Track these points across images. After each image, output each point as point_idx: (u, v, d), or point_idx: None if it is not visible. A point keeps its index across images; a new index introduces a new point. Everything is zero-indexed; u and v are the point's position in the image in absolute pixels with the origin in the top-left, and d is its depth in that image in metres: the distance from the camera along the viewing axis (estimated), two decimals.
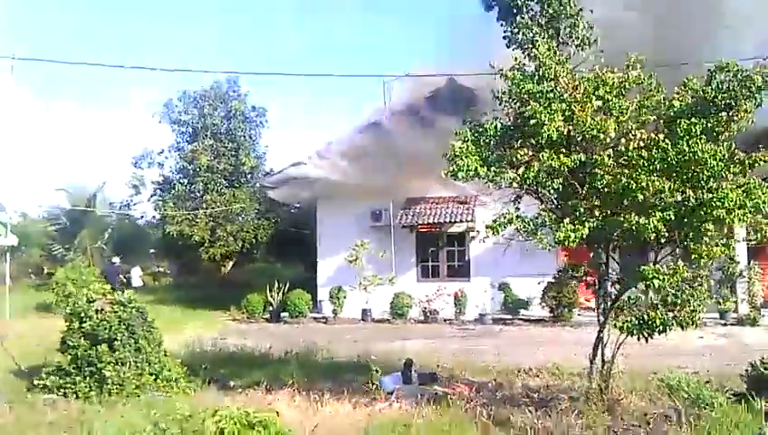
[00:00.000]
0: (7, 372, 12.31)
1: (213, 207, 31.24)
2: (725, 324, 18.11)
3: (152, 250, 37.15)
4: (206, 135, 32.33)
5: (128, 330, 10.49)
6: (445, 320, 19.87)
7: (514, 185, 8.06)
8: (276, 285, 21.29)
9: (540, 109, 7.71)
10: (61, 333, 10.93)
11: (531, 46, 8.90)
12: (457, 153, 7.99)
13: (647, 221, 7.16)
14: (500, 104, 8.71)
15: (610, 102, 7.99)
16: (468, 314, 20.20)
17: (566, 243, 7.43)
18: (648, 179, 7.31)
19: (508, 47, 9.46)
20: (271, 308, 21.15)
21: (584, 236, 7.46)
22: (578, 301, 19.21)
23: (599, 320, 8.92)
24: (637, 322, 7.88)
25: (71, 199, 33.21)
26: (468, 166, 7.84)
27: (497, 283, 20.43)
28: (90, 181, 34.82)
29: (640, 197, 7.30)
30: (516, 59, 8.77)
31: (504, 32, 9.48)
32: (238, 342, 15.53)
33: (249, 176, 34.08)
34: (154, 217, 33.65)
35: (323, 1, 75.26)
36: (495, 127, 8.18)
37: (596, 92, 7.95)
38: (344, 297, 20.67)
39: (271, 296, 21.21)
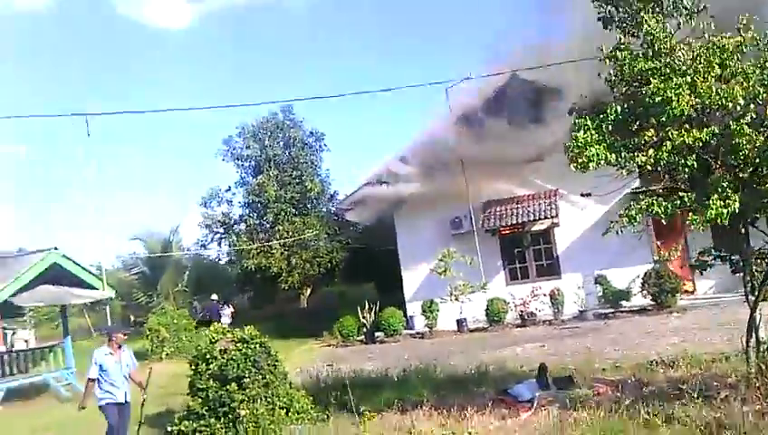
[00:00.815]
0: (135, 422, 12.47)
1: (286, 237, 31.45)
2: None
3: (234, 284, 37.35)
4: (270, 166, 32.66)
5: (254, 366, 10.44)
6: (543, 321, 19.38)
7: (648, 167, 7.65)
8: (367, 305, 21.16)
9: (663, 86, 7.38)
10: (187, 376, 10.97)
11: (634, 23, 8.61)
12: (581, 144, 7.69)
13: None
14: (612, 89, 8.40)
15: (733, 68, 7.62)
16: (566, 312, 19.72)
17: (719, 220, 7.04)
18: None
19: (606, 28, 9.14)
20: (365, 329, 21.00)
21: (736, 211, 7.06)
22: (681, 286, 18.58)
23: (747, 300, 8.46)
24: None
25: (147, 247, 33.82)
26: (598, 155, 7.52)
27: (593, 276, 19.90)
28: (163, 227, 35.53)
29: None
30: (620, 39, 8.46)
31: (599, 12, 9.15)
32: (345, 366, 15.40)
33: (316, 201, 34.31)
34: (229, 253, 33.99)
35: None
36: (616, 111, 7.85)
37: (716, 60, 7.59)
38: (437, 310, 20.38)
39: (363, 317, 21.07)
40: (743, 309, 16.40)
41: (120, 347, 10.00)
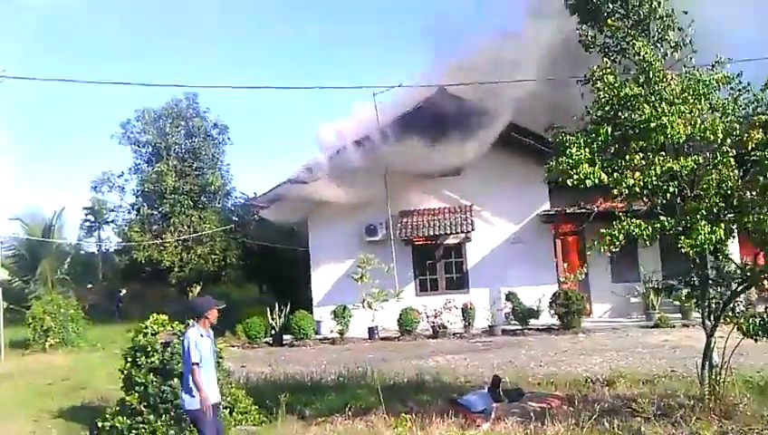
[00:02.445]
0: (49, 415, 11.61)
1: (181, 230, 30.36)
2: None
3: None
4: (170, 155, 31.46)
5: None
6: (454, 334, 19.66)
7: (636, 189, 7.91)
8: (277, 307, 20.69)
9: (657, 113, 7.70)
10: (120, 369, 10.27)
11: (619, 49, 8.96)
12: (576, 160, 7.87)
13: None
14: (598, 111, 8.66)
15: (715, 102, 8.09)
16: (476, 326, 20.12)
17: (707, 246, 7.39)
18: None
19: (587, 51, 9.46)
20: (273, 332, 20.51)
21: (721, 238, 7.44)
22: (586, 308, 19.43)
23: (704, 324, 8.91)
24: (762, 322, 7.87)
25: (27, 230, 31.56)
26: (593, 174, 7.72)
27: (501, 293, 20.46)
28: (47, 208, 33.30)
29: None
30: (606, 63, 8.76)
31: (583, 36, 9.46)
32: (263, 369, 15.00)
33: (214, 196, 33.37)
34: (118, 243, 32.37)
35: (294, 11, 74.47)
36: (606, 132, 8.10)
37: (702, 92, 8.02)
38: (350, 316, 20.23)
39: (272, 319, 20.57)
40: (643, 334, 17.54)
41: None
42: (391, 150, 20.53)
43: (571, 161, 7.91)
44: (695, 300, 9.22)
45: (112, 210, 32.48)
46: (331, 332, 20.83)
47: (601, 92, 8.27)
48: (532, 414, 8.98)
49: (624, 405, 9.37)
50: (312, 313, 21.71)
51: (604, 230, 8.10)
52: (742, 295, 8.78)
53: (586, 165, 7.74)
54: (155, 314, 10.64)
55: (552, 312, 19.29)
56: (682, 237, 7.44)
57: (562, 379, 12.01)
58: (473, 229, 21.10)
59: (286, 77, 69.33)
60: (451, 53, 21.95)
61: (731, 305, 8.52)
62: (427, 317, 19.95)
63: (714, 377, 8.64)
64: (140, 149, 31.93)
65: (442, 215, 21.77)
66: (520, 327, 19.65)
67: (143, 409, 9.73)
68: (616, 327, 19.23)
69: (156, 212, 31.41)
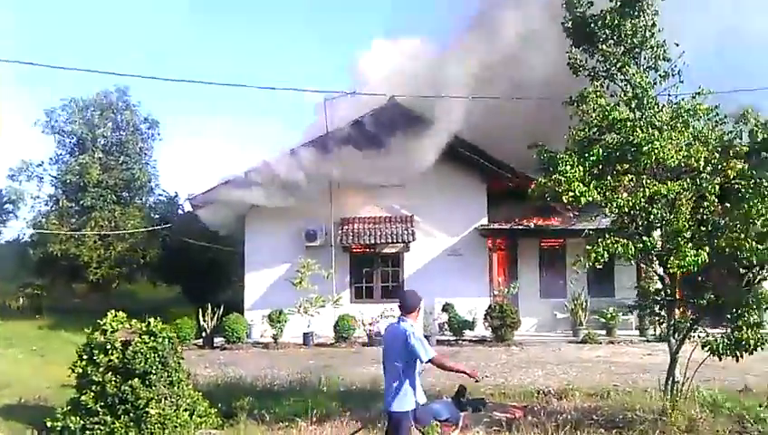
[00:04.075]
0: None
1: (102, 225, 29.13)
2: None
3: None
4: (96, 147, 30.21)
5: (161, 362, 9.54)
6: None
7: (625, 209, 8.17)
8: (210, 308, 20.14)
9: (650, 137, 7.99)
10: (76, 366, 9.74)
11: (608, 75, 9.25)
12: (570, 178, 8.05)
13: (764, 247, 7.59)
14: (585, 131, 8.90)
15: (701, 131, 8.47)
16: None
17: (691, 268, 7.69)
18: (756, 208, 7.77)
19: (575, 74, 9.71)
20: (204, 334, 19.95)
21: (705, 260, 7.76)
22: (519, 321, 19.84)
23: (669, 343, 9.25)
24: (728, 341, 8.26)
25: None
26: (588, 192, 7.92)
27: (439, 303, 20.65)
28: None
29: (759, 224, 7.71)
30: (596, 86, 9.04)
31: (572, 59, 9.71)
32: (203, 372, 14.58)
33: (139, 191, 32.23)
34: (32, 235, 30.61)
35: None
36: (598, 153, 8.33)
37: (687, 121, 8.39)
38: (285, 321, 19.92)
39: (204, 321, 20.01)
40: (574, 349, 18.08)
41: None
42: (336, 159, 20.44)
43: (563, 179, 8.05)
44: (657, 318, 9.51)
45: (36, 198, 30.72)
46: (262, 336, 20.48)
47: (593, 114, 8.49)
48: (500, 423, 9.10)
49: (585, 417, 9.62)
50: (242, 315, 21.24)
51: (589, 247, 8.30)
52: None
53: (581, 184, 7.91)
54: (113, 311, 10.17)
55: (487, 324, 19.62)
56: (671, 258, 7.70)
57: (513, 390, 12.24)
58: (413, 240, 21.26)
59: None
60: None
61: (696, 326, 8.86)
62: (364, 325, 19.89)
63: (676, 392, 8.98)
64: (65, 139, 30.46)
65: (383, 224, 21.83)
66: (455, 338, 19.88)
67: (99, 409, 9.30)
68: (545, 341, 19.78)
69: (75, 205, 29.96)
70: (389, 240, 21.42)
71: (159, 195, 34.83)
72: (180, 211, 34.36)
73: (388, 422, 6.80)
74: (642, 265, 18.58)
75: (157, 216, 32.80)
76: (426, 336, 19.34)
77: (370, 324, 19.86)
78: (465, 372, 6.74)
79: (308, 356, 17.77)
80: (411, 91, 19.84)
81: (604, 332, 20.01)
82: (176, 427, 9.20)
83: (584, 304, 20.33)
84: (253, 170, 21.14)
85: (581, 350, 18.06)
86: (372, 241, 21.41)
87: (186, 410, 9.60)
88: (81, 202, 29.26)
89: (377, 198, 22.22)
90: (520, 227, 21.39)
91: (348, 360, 16.76)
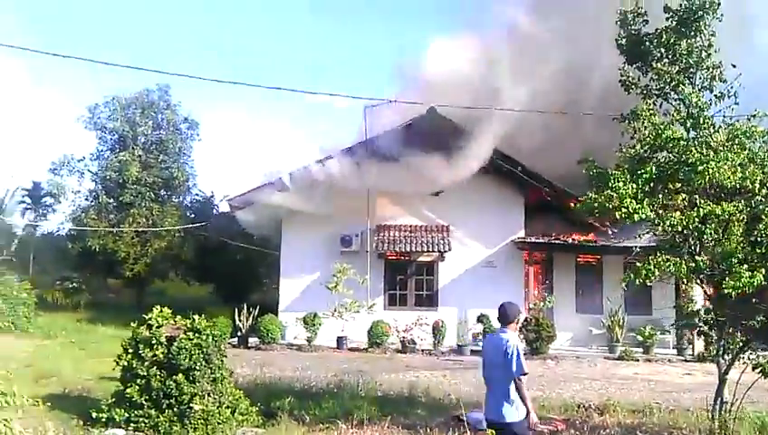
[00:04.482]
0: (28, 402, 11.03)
1: (140, 222, 29.62)
2: None
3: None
4: (136, 145, 30.73)
5: (205, 359, 9.68)
6: (423, 350, 19.70)
7: (678, 228, 8.12)
8: (246, 308, 20.34)
9: (705, 158, 7.95)
10: (120, 360, 9.93)
11: (661, 93, 9.21)
12: (622, 195, 8.03)
13: None
14: (638, 149, 8.86)
15: (754, 153, 8.39)
16: (445, 344, 20.20)
17: (746, 289, 7.63)
18: None
19: (627, 91, 9.68)
20: (239, 334, 20.14)
21: (762, 283, 7.68)
22: (555, 335, 19.73)
23: (717, 362, 9.15)
24: None
25: None
26: (642, 209, 7.89)
27: (473, 313, 20.61)
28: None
29: None
30: (649, 104, 9.01)
31: (624, 76, 9.67)
32: (240, 371, 14.70)
33: (177, 190, 32.71)
34: (71, 229, 31.21)
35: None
36: (651, 171, 8.30)
37: (743, 143, 8.32)
38: (320, 324, 20.04)
39: (239, 321, 20.21)
40: (610, 365, 17.91)
41: None
42: (375, 167, 20.49)
43: (614, 195, 8.03)
44: (706, 338, 9.41)
45: (77, 193, 31.33)
46: (295, 338, 20.61)
47: (646, 131, 8.46)
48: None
49: (628, 433, 9.55)
50: (276, 317, 21.38)
51: (640, 265, 8.25)
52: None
53: (633, 201, 7.89)
54: (158, 307, 10.35)
55: (522, 337, 19.48)
56: (726, 279, 7.64)
57: (552, 403, 12.16)
58: (449, 249, 21.27)
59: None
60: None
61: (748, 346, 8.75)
62: (398, 332, 19.93)
63: (724, 413, 8.88)
64: (106, 136, 31.05)
65: (419, 232, 21.87)
66: None
67: (144, 402, 9.46)
68: (580, 356, 19.61)
69: (114, 201, 30.51)
70: (425, 249, 21.45)
71: (196, 195, 35.41)
72: (215, 211, 34.87)
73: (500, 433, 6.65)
74: (682, 285, 18.75)
75: (192, 215, 33.26)
76: (460, 346, 19.66)
77: (404, 331, 19.91)
78: (528, 411, 6.61)
79: (342, 360, 17.85)
80: (455, 101, 19.80)
81: (641, 349, 19.79)
82: (218, 423, 9.34)
83: (621, 320, 20.14)
84: (291, 174, 21.28)
85: (618, 366, 17.89)
86: (408, 249, 21.46)
87: (228, 407, 9.74)
88: (120, 199, 29.84)
89: (413, 206, 22.25)
90: (558, 241, 21.26)
91: (382, 365, 16.80)
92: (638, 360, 18.90)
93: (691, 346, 19.29)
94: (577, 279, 22.77)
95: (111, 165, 29.98)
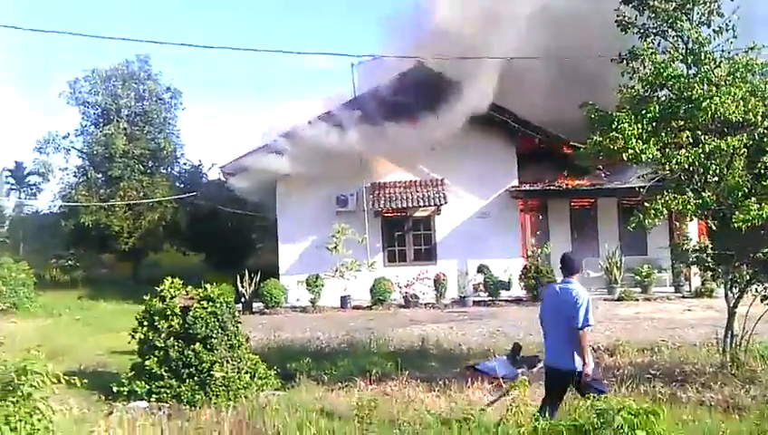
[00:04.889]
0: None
1: (131, 195, 29.45)
2: None
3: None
4: (120, 117, 30.37)
5: (221, 326, 9.76)
6: (426, 304, 19.88)
7: (685, 166, 8.18)
8: (247, 274, 20.43)
9: (709, 93, 7.97)
10: (136, 333, 9.99)
11: (658, 31, 9.18)
12: (628, 136, 8.07)
13: None
14: (638, 88, 8.87)
15: (755, 86, 8.42)
16: (447, 297, 20.39)
17: (755, 222, 7.73)
18: None
19: (624, 32, 9.63)
20: (243, 299, 20.24)
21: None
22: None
23: (726, 297, 9.30)
24: None
25: None
26: (648, 149, 7.94)
27: (469, 265, 20.79)
28: None
29: None
30: (648, 43, 8.99)
31: (620, 17, 9.61)
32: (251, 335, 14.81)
33: (165, 161, 32.48)
34: (62, 206, 30.97)
35: None
36: (654, 110, 8.32)
37: (744, 77, 8.35)
38: (322, 285, 20.15)
39: (242, 286, 20.30)
40: (611, 306, 18.16)
41: None
42: (365, 125, 20.40)
43: (620, 137, 8.07)
44: (712, 273, 9.55)
45: (65, 170, 31.10)
46: (298, 300, 20.70)
47: (647, 70, 8.46)
48: None
49: (642, 372, 9.74)
50: (278, 281, 21.48)
51: (648, 204, 8.33)
52: None
53: (639, 141, 7.93)
54: (169, 278, 10.37)
55: (523, 284, 19.72)
56: (735, 213, 7.73)
57: None
58: (445, 202, 21.34)
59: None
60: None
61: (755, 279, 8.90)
62: (400, 287, 20.08)
63: (735, 346, 9.07)
64: (89, 110, 30.64)
65: (414, 187, 21.89)
66: (490, 298, 20.04)
67: (164, 373, 9.55)
68: None
69: (103, 176, 30.27)
70: (421, 203, 21.50)
71: (184, 164, 35.16)
72: (204, 180, 34.74)
73: (561, 379, 6.94)
74: (676, 224, 18.95)
75: (182, 185, 33.09)
76: (462, 297, 19.85)
77: (406, 287, 20.06)
78: (584, 362, 6.75)
79: (348, 318, 18.01)
80: (445, 51, 19.58)
81: (639, 289, 20.06)
82: (239, 389, 9.43)
83: (618, 262, 20.36)
84: (282, 137, 21.16)
85: (619, 307, 18.14)
86: (404, 205, 21.52)
87: (246, 372, 9.85)
88: (109, 173, 29.61)
89: (407, 162, 22.22)
90: (551, 187, 21.36)
91: (387, 321, 16.97)
92: (637, 300, 19.18)
93: (688, 283, 19.59)
94: (572, 224, 22.94)
95: (97, 139, 29.65)
